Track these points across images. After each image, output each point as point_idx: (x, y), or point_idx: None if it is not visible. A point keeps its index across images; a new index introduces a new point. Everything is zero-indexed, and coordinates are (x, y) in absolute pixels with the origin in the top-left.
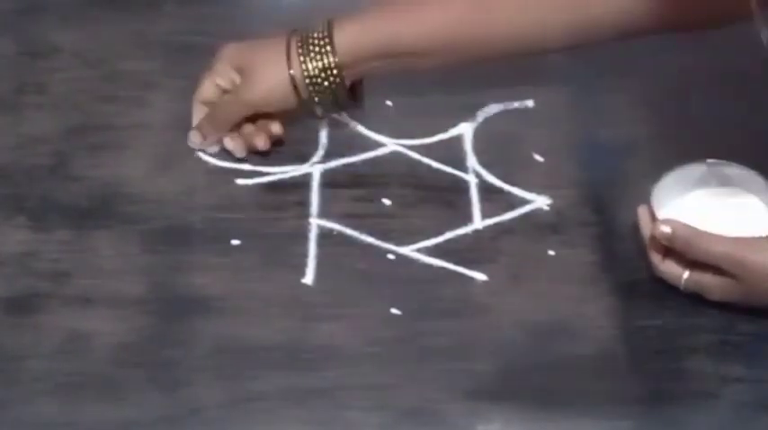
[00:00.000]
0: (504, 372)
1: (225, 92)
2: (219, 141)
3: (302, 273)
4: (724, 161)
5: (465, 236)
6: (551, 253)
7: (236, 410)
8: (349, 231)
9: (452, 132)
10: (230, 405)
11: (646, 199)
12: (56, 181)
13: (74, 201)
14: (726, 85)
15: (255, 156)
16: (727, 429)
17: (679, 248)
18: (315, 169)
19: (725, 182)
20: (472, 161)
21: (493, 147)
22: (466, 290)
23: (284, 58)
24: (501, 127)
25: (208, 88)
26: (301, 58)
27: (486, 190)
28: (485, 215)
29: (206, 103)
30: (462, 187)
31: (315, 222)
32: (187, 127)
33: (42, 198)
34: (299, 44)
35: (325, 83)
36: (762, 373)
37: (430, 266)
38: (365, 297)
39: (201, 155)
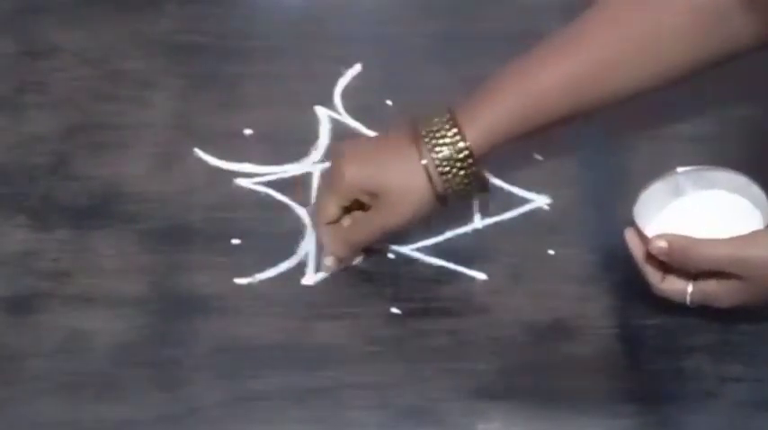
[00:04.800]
0: (504, 372)
1: (347, 209)
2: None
3: (302, 273)
4: (695, 166)
5: (465, 235)
6: (551, 252)
7: (237, 409)
8: None
9: None
10: (230, 404)
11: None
12: (56, 180)
13: (74, 200)
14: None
15: (255, 155)
16: (727, 429)
17: (678, 260)
18: (315, 168)
19: (702, 186)
20: None
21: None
22: (466, 289)
23: (417, 164)
24: None
25: (332, 210)
26: (434, 156)
27: None
28: (485, 214)
29: (330, 224)
30: None
31: None
32: (187, 127)
33: (42, 197)
34: (428, 140)
35: (462, 171)
36: (761, 373)
37: (430, 266)
38: (365, 297)
39: (201, 154)
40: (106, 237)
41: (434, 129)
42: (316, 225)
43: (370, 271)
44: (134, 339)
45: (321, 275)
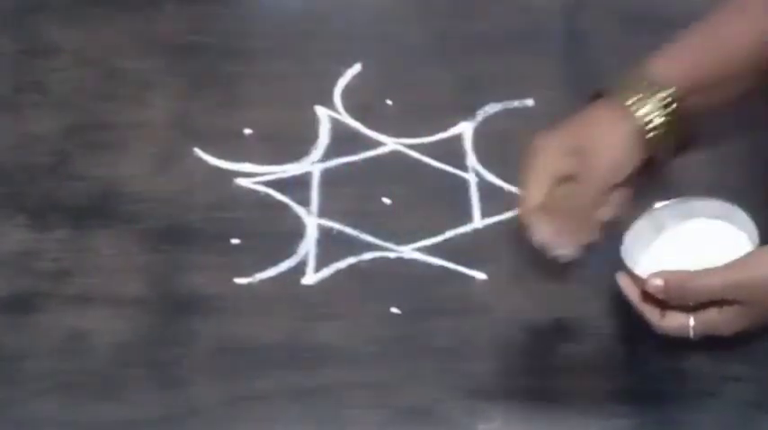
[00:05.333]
0: (505, 372)
1: (557, 185)
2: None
3: (302, 273)
4: (672, 199)
5: (465, 235)
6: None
7: (236, 409)
8: (349, 230)
9: (452, 131)
10: (230, 404)
11: (644, 199)
12: (56, 180)
13: (74, 200)
14: None
15: (255, 155)
16: (727, 428)
17: (675, 296)
18: (315, 168)
19: (683, 217)
20: (472, 160)
21: (493, 147)
22: (466, 289)
23: (615, 119)
24: (501, 126)
25: (539, 190)
26: (634, 106)
27: (486, 189)
28: (485, 214)
29: (542, 209)
30: (462, 186)
31: (315, 221)
32: (187, 127)
33: (42, 197)
34: (626, 94)
35: (664, 120)
36: (761, 373)
37: (430, 266)
38: (365, 297)
39: (201, 154)
40: (106, 237)
41: (631, 85)
42: (524, 215)
43: (370, 271)
44: (134, 339)
45: (321, 275)
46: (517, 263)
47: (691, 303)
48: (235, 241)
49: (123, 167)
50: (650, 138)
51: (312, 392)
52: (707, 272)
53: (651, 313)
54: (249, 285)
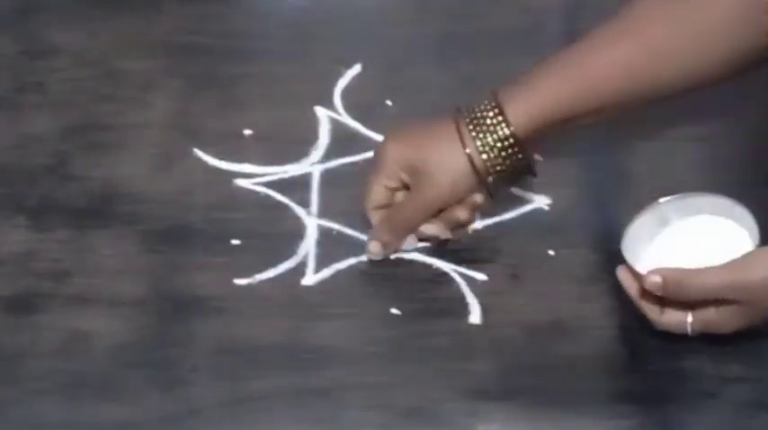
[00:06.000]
0: (504, 372)
1: (395, 192)
2: (400, 245)
3: (302, 273)
4: (677, 195)
5: (465, 235)
6: (551, 253)
7: (236, 410)
8: (349, 231)
9: None
10: (230, 405)
11: (645, 198)
12: (55, 181)
13: (73, 200)
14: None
15: (255, 155)
16: (727, 428)
17: (673, 294)
18: (315, 169)
19: (686, 213)
20: None
21: None
22: (466, 289)
23: (458, 143)
24: None
25: (379, 193)
26: (474, 137)
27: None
28: (485, 214)
29: (379, 208)
30: None
31: (315, 222)
32: (187, 127)
33: (42, 198)
34: (470, 124)
35: (503, 154)
36: (761, 373)
37: (430, 266)
38: (365, 297)
39: (201, 154)
40: (106, 237)
41: (478, 115)
42: (365, 210)
43: (370, 271)
44: (134, 339)
45: (321, 275)
46: (517, 263)
47: (689, 301)
48: (235, 242)
49: (123, 168)
50: (485, 166)
51: (312, 393)
52: (705, 271)
53: (650, 309)
54: (249, 286)
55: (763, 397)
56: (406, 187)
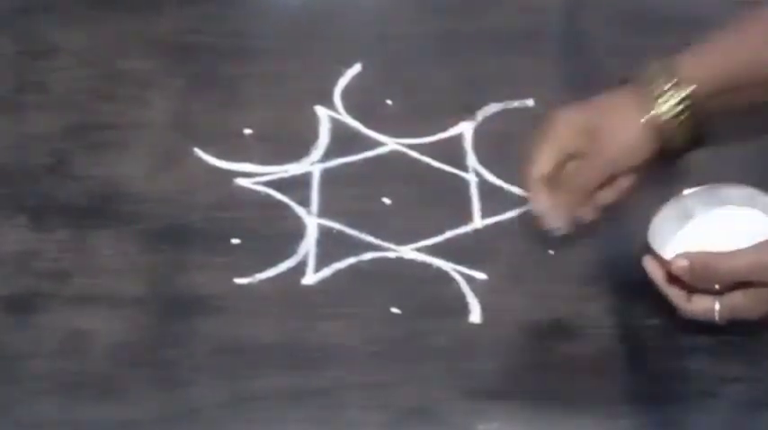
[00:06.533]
0: (504, 372)
1: (563, 163)
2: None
3: (302, 273)
4: (701, 186)
5: (465, 235)
6: (551, 252)
7: (236, 410)
8: (349, 230)
9: (452, 131)
10: (230, 404)
11: (646, 196)
12: (56, 180)
13: (74, 200)
14: None
15: (255, 155)
16: (727, 428)
17: (701, 277)
18: (315, 168)
19: (711, 204)
20: (472, 160)
21: (493, 147)
22: (466, 289)
23: (634, 106)
24: (501, 126)
25: (549, 161)
26: (653, 101)
27: (486, 189)
28: (485, 214)
29: (544, 179)
30: (462, 186)
31: (315, 221)
32: (187, 127)
33: (42, 197)
34: (647, 90)
35: (682, 117)
36: (761, 373)
37: (430, 266)
38: (365, 296)
39: (201, 154)
40: (106, 237)
41: (654, 79)
42: (526, 181)
43: (370, 270)
44: (134, 339)
45: (321, 275)
46: (517, 263)
47: (716, 285)
48: (235, 241)
49: (123, 167)
50: (664, 132)
51: (312, 392)
52: (732, 253)
53: (677, 296)
54: (249, 285)
55: (762, 396)
56: (574, 157)
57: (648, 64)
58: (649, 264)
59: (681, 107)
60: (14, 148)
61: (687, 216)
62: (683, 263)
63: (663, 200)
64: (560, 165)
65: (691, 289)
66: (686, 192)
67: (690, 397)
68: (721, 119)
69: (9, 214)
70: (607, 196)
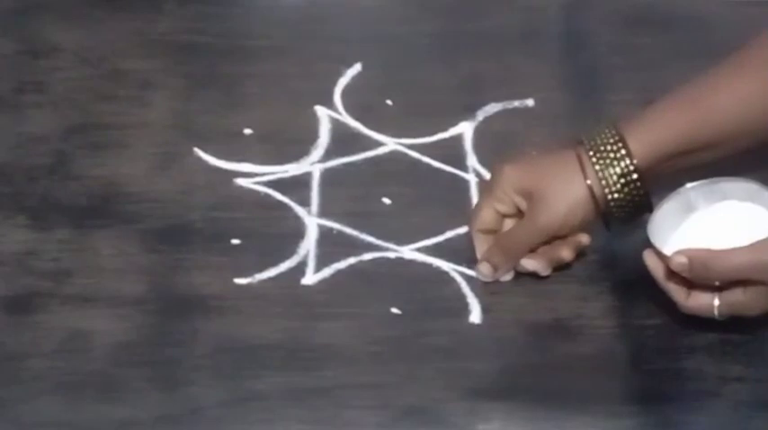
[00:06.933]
0: (504, 372)
1: (505, 217)
2: (511, 269)
3: (302, 273)
4: (704, 180)
5: (465, 235)
6: None
7: (236, 410)
8: (349, 230)
9: (452, 131)
10: (230, 404)
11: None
12: (56, 180)
13: (74, 200)
14: None
15: (255, 155)
16: (727, 428)
17: (700, 275)
18: (315, 168)
19: (713, 199)
20: (472, 160)
21: (493, 147)
22: (466, 289)
23: (579, 173)
24: (501, 126)
25: (488, 215)
26: (596, 168)
27: None
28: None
29: (487, 232)
30: (462, 186)
31: (315, 221)
32: (187, 127)
33: (42, 197)
34: (592, 155)
35: (626, 189)
36: (761, 373)
37: (430, 266)
38: (365, 297)
39: (201, 154)
40: (106, 237)
41: (600, 146)
42: (471, 231)
43: (370, 271)
44: (134, 339)
45: (321, 275)
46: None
47: (715, 282)
48: (235, 241)
49: (123, 167)
50: (604, 201)
51: (312, 392)
52: (732, 251)
53: (677, 293)
54: (249, 285)
55: (763, 396)
56: (515, 214)
57: (596, 128)
58: (649, 259)
59: (622, 181)
60: (15, 148)
61: (688, 210)
62: (682, 260)
63: (664, 193)
64: (500, 220)
65: (690, 285)
66: (688, 185)
67: (690, 397)
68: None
69: (9, 214)
70: (563, 254)
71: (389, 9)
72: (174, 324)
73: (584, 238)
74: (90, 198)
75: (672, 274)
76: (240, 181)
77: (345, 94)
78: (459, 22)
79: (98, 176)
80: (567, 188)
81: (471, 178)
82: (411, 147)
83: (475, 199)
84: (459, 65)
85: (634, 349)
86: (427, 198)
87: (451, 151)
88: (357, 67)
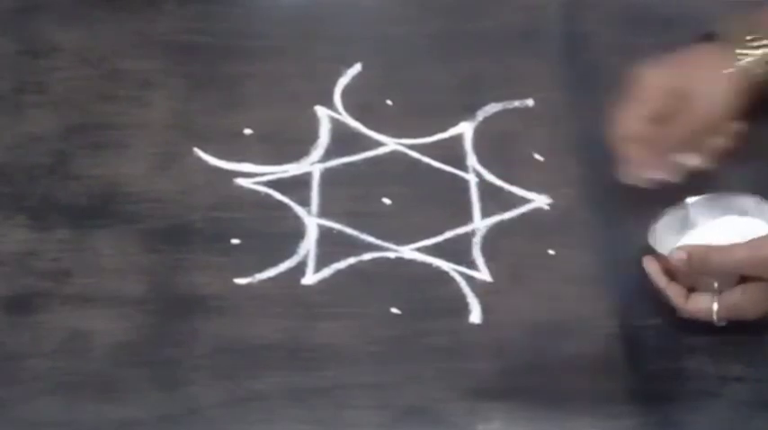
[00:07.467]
0: (504, 372)
1: (650, 123)
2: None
3: (302, 273)
4: (703, 195)
5: (465, 235)
6: (551, 252)
7: (236, 410)
8: (349, 230)
9: (452, 131)
10: (230, 404)
11: (645, 200)
12: (56, 180)
13: (74, 200)
14: None
15: (255, 155)
16: (727, 428)
17: (698, 269)
18: (315, 168)
19: (713, 214)
20: (472, 160)
21: (493, 147)
22: (466, 289)
23: (720, 61)
24: (501, 126)
25: (636, 123)
26: (738, 53)
27: (486, 189)
28: (485, 214)
29: (631, 140)
30: (462, 186)
31: (315, 221)
32: (187, 127)
33: (42, 197)
34: (731, 43)
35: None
36: (761, 373)
37: (430, 266)
38: (365, 296)
39: (201, 154)
40: (106, 236)
41: (734, 35)
42: (614, 142)
43: (370, 271)
44: (134, 339)
45: (321, 275)
46: (517, 263)
47: (713, 280)
48: (235, 241)
49: (123, 167)
50: (753, 85)
51: (312, 392)
52: (731, 246)
53: (676, 296)
54: (249, 285)
55: (763, 397)
56: (662, 118)
57: (725, 22)
58: (649, 265)
59: (764, 56)
60: (14, 148)
61: (689, 224)
62: (682, 254)
63: (664, 206)
64: (647, 126)
65: (690, 288)
66: (689, 200)
67: (690, 397)
68: None
69: (9, 214)
70: (718, 141)
71: (389, 9)
72: (174, 324)
73: (737, 125)
74: (90, 198)
75: (672, 280)
76: (240, 181)
77: (345, 94)
78: (459, 22)
79: (98, 176)
80: (718, 78)
81: (471, 178)
82: (411, 147)
83: (475, 198)
84: (460, 65)
85: (634, 349)
86: (427, 198)
87: (451, 151)
88: (357, 67)
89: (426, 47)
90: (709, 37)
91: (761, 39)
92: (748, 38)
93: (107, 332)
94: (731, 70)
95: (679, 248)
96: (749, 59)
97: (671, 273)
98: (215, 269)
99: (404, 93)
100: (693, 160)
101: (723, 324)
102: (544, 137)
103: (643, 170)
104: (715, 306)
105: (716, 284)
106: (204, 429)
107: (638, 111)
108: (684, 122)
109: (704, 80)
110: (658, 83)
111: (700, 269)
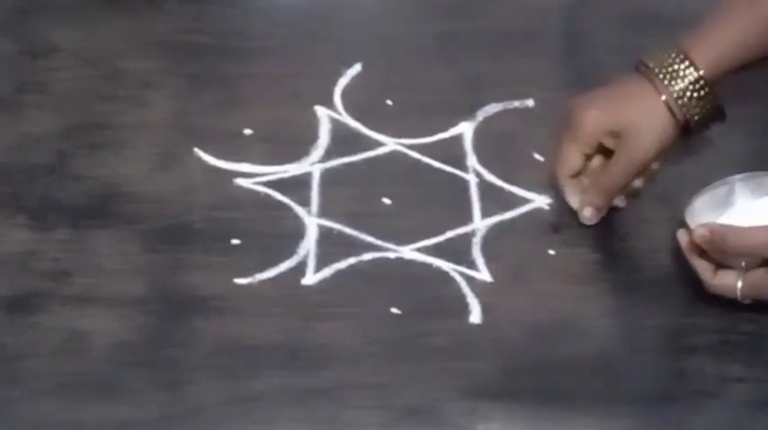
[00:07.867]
0: (504, 372)
1: (589, 158)
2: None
3: (302, 273)
4: (749, 173)
5: (465, 235)
6: (551, 252)
7: (236, 410)
8: (349, 230)
9: (452, 131)
10: (230, 404)
11: (646, 198)
12: (56, 180)
13: (74, 200)
14: None
15: (255, 155)
16: (727, 428)
17: (718, 248)
18: (315, 168)
19: (756, 192)
20: (472, 160)
21: (493, 147)
22: (466, 289)
23: (655, 98)
24: (501, 126)
25: (575, 160)
26: (667, 86)
27: (486, 189)
28: (485, 214)
29: (573, 176)
30: (462, 186)
31: (315, 221)
32: (187, 127)
33: (42, 197)
34: (661, 75)
35: (697, 97)
36: (762, 373)
37: (430, 266)
38: (365, 297)
39: (201, 154)
40: (106, 237)
41: (666, 65)
42: (558, 179)
43: (370, 271)
44: (134, 339)
45: (321, 275)
46: (517, 263)
47: (734, 258)
48: (235, 241)
49: (123, 167)
50: (683, 117)
51: (312, 392)
52: (751, 228)
53: (704, 271)
54: (249, 285)
55: (763, 397)
56: (601, 152)
57: (653, 51)
58: (682, 237)
59: (694, 88)
60: (14, 148)
61: (728, 203)
62: (704, 232)
63: (699, 185)
64: (585, 163)
65: (719, 264)
66: (736, 176)
67: (690, 397)
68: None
69: (9, 214)
70: (637, 183)
71: (389, 9)
72: (174, 324)
73: (655, 165)
74: (90, 198)
75: (702, 254)
76: (240, 181)
77: (345, 94)
78: (459, 22)
79: (98, 176)
80: (651, 116)
81: (471, 178)
82: (411, 147)
83: (475, 198)
84: (460, 65)
85: (634, 349)
86: (427, 198)
87: (451, 151)
88: (357, 67)
89: (426, 47)
90: (641, 66)
91: (688, 67)
92: (674, 67)
93: (107, 332)
94: (663, 99)
95: (703, 226)
96: (677, 88)
97: (702, 249)
98: (215, 269)
99: (404, 93)
100: (619, 201)
101: (748, 301)
102: (544, 137)
103: (587, 203)
104: (739, 283)
105: (743, 263)
106: (204, 429)
107: (577, 151)
108: (626, 163)
109: (641, 119)
110: (598, 127)
111: (719, 248)
